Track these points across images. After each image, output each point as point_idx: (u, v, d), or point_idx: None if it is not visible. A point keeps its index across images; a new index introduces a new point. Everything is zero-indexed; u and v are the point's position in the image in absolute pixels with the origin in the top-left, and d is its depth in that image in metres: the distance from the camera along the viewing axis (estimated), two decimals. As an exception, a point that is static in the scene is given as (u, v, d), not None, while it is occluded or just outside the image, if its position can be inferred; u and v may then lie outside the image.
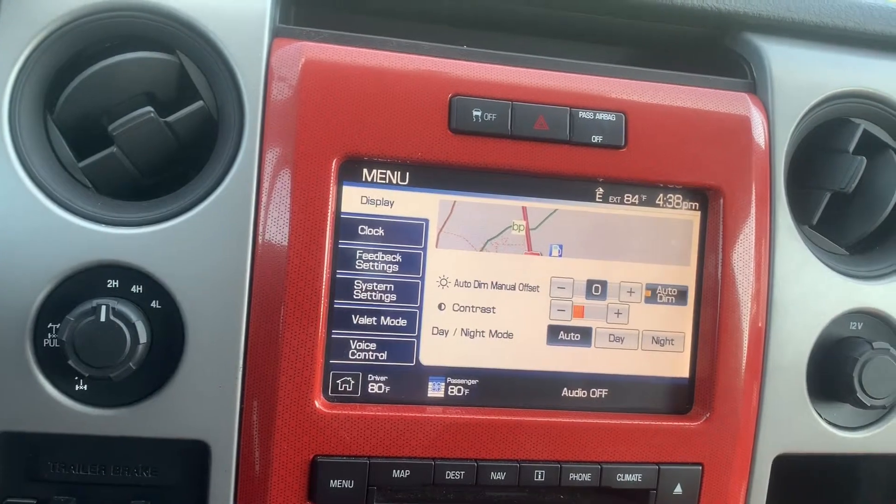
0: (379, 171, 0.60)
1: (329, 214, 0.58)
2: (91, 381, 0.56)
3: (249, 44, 0.59)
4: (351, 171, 0.59)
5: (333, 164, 0.58)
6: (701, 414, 0.64)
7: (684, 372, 0.65)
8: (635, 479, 0.62)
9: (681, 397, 0.65)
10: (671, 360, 0.65)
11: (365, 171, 0.60)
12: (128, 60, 0.59)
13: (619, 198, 0.64)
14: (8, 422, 0.56)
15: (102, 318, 0.54)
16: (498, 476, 0.60)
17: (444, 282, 0.61)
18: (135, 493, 0.59)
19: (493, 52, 0.63)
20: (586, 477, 0.61)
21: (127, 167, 0.58)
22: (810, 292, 0.67)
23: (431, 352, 0.61)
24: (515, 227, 0.62)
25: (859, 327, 0.68)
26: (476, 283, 0.62)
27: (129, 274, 0.56)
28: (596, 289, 0.64)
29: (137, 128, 0.58)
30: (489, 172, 0.61)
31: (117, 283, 0.56)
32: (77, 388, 0.56)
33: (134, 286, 0.57)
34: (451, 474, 0.59)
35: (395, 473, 0.59)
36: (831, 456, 0.68)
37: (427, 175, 0.61)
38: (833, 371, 0.66)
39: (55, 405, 0.56)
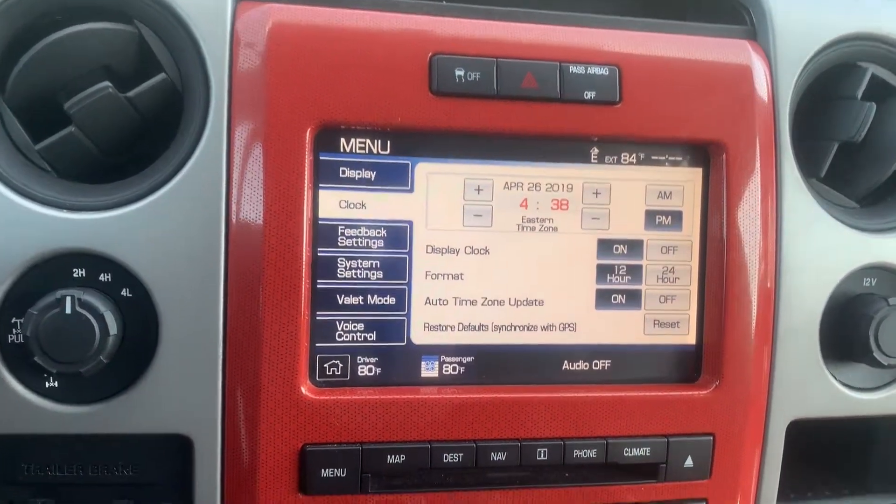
0: (357, 139, 0.56)
1: (305, 189, 0.54)
2: (61, 378, 0.53)
3: (212, 9, 0.56)
4: (327, 141, 0.56)
5: (308, 133, 0.54)
6: (710, 382, 0.61)
7: (691, 339, 0.62)
8: (643, 453, 0.59)
9: (688, 365, 0.62)
10: (676, 326, 0.62)
11: (342, 140, 0.56)
12: (82, 32, 0.55)
13: (615, 157, 0.60)
14: (-24, 424, 0.53)
15: (68, 311, 0.50)
16: (499, 456, 0.57)
17: (432, 255, 0.58)
18: (116, 492, 0.57)
19: (474, 6, 0.60)
20: (591, 453, 0.58)
21: (87, 147, 0.55)
22: (821, 249, 0.63)
23: (423, 330, 0.58)
24: (507, 194, 0.59)
25: (873, 283, 0.65)
26: (468, 252, 0.58)
27: (95, 262, 0.53)
28: (594, 253, 0.60)
29: (96, 104, 0.54)
30: (476, 136, 0.57)
31: (83, 272, 0.53)
32: (47, 385, 0.53)
33: (101, 274, 0.53)
34: (449, 457, 0.56)
35: (390, 459, 0.56)
36: (847, 419, 0.65)
37: (409, 142, 0.57)
38: (847, 330, 0.63)
39: (25, 404, 0.53)
